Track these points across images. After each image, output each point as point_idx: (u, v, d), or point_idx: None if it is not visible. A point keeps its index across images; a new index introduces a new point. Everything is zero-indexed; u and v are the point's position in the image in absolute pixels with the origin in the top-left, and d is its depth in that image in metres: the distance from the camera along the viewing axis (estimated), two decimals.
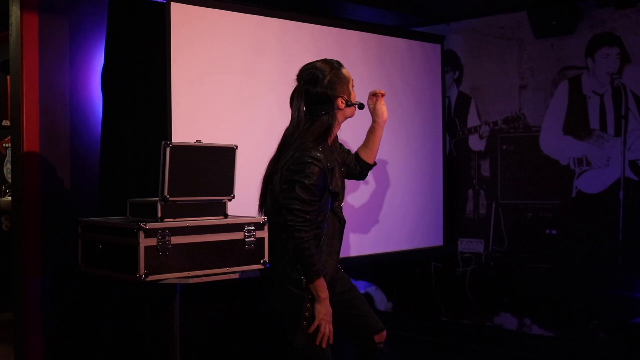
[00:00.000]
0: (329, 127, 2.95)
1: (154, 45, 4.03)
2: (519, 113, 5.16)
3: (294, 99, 2.98)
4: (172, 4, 3.90)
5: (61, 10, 4.23)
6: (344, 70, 3.01)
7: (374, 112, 3.25)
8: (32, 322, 4.14)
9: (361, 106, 3.05)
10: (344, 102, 2.97)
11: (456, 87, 5.51)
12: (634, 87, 4.67)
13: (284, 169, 2.88)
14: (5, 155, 5.93)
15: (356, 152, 3.32)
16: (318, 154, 2.83)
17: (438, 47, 5.42)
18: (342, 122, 3.03)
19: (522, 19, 5.11)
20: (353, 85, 3.04)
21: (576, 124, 4.89)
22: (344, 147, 3.25)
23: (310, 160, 2.81)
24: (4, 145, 5.97)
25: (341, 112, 2.99)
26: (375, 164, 3.35)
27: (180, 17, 3.93)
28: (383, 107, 3.24)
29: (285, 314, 2.92)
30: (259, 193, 3.04)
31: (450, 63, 5.52)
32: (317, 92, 2.93)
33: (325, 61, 3.00)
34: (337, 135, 3.07)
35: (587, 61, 4.84)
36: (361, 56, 4.81)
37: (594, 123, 4.81)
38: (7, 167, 5.80)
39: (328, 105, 2.94)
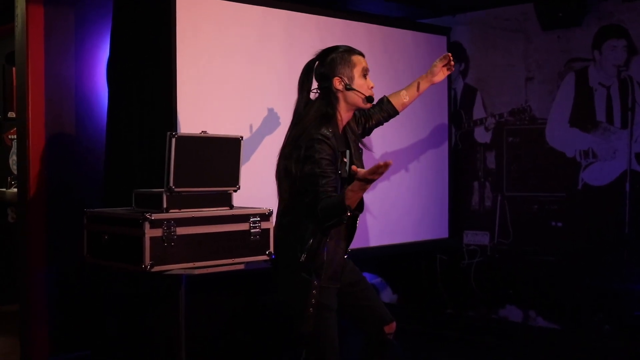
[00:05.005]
0: (328, 106, 2.94)
1: (160, 37, 4.03)
2: (525, 105, 5.14)
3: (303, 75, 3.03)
4: None
5: (66, 1, 4.24)
6: (354, 57, 2.99)
7: (433, 69, 3.37)
8: (38, 313, 4.15)
9: (370, 99, 3.01)
10: (342, 84, 2.95)
11: (462, 79, 5.49)
12: None
13: (293, 150, 2.88)
14: (11, 147, 5.92)
15: (387, 98, 3.35)
16: (327, 132, 2.85)
17: (444, 39, 5.40)
18: (349, 109, 3.00)
19: (529, 10, 5.08)
20: (366, 75, 3.01)
21: (582, 116, 4.87)
22: (361, 114, 3.22)
23: (319, 137, 2.83)
24: (9, 137, 5.97)
25: (342, 94, 2.96)
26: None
27: (186, 8, 3.92)
28: (446, 73, 3.38)
29: (292, 300, 2.90)
30: (275, 170, 3.00)
31: (456, 55, 5.48)
32: (318, 71, 2.99)
33: (339, 45, 3.04)
34: (350, 121, 3.05)
35: (594, 53, 4.82)
36: (367, 48, 4.71)
37: (601, 115, 4.79)
38: (13, 158, 5.80)
39: (326, 83, 2.96)
